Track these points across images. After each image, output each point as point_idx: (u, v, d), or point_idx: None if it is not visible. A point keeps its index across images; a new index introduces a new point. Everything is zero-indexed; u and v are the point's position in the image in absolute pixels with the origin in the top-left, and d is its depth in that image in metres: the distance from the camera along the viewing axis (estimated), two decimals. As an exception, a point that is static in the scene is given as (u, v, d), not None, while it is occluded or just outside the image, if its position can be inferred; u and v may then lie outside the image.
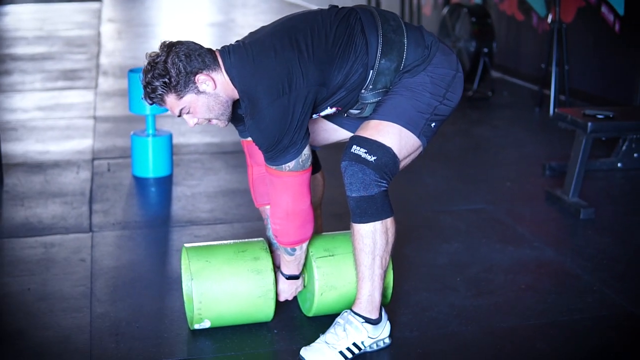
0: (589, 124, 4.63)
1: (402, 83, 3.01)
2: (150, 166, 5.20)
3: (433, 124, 3.04)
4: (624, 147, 5.49)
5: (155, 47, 2.99)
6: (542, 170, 5.41)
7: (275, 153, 2.91)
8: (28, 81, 8.48)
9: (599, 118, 4.72)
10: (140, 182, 5.17)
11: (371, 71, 2.97)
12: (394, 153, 2.94)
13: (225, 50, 2.96)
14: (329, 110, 3.06)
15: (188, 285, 3.29)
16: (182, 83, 2.84)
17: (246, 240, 3.32)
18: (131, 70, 5.18)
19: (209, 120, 2.97)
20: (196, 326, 3.17)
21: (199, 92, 2.87)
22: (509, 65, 8.70)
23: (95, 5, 16.69)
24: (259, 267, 3.16)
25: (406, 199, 4.80)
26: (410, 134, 2.98)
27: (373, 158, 2.92)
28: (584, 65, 7.46)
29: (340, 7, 3.08)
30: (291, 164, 2.93)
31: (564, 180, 4.82)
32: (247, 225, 4.40)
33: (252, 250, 3.21)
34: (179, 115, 2.94)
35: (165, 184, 5.14)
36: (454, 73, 3.07)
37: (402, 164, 3.02)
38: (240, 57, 2.91)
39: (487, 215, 4.62)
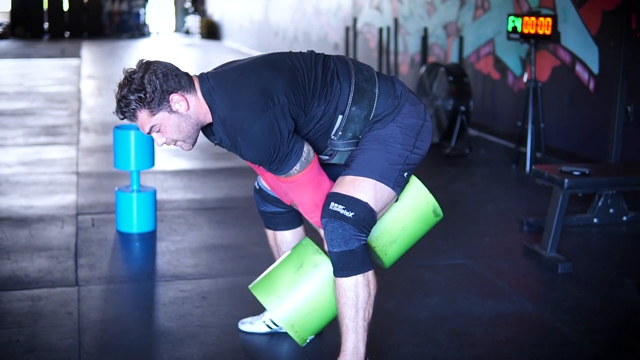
0: (566, 180, 4.74)
1: (373, 135, 3.09)
2: (135, 221, 5.25)
3: (405, 174, 3.14)
4: (599, 203, 5.60)
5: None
6: (520, 225, 5.50)
7: (278, 164, 2.98)
8: (10, 136, 8.54)
9: (575, 175, 4.83)
10: (124, 237, 5.22)
11: (340, 116, 3.06)
12: (370, 207, 3.03)
13: (204, 76, 3.03)
14: None
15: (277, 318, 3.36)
16: (156, 100, 2.90)
17: (293, 250, 3.41)
18: (117, 127, 5.26)
19: (175, 142, 3.02)
20: (307, 343, 3.38)
21: (171, 111, 2.94)
22: (485, 123, 8.85)
23: (74, 61, 16.82)
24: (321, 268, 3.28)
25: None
26: (385, 186, 3.07)
27: (351, 214, 3.00)
28: (559, 122, 7.61)
29: (317, 52, 3.18)
30: (297, 167, 3.01)
31: (542, 236, 4.92)
32: (231, 280, 4.45)
33: (307, 260, 3.31)
34: (149, 133, 2.98)
35: (150, 239, 5.20)
36: (422, 122, 3.17)
37: (379, 215, 3.11)
38: (220, 81, 2.98)
39: (467, 269, 4.70)
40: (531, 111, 7.13)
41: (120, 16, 25.93)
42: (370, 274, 3.07)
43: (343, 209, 3.01)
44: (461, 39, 9.10)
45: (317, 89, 3.02)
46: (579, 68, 7.39)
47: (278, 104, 2.91)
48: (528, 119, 7.14)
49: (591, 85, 7.25)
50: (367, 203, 3.02)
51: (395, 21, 10.51)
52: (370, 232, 3.06)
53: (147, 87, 2.90)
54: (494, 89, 8.77)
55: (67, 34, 24.70)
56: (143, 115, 2.93)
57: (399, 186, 3.13)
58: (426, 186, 3.34)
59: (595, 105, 7.19)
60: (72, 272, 4.55)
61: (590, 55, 7.24)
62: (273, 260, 3.65)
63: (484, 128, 8.85)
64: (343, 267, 3.04)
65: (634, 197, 5.87)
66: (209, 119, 3.01)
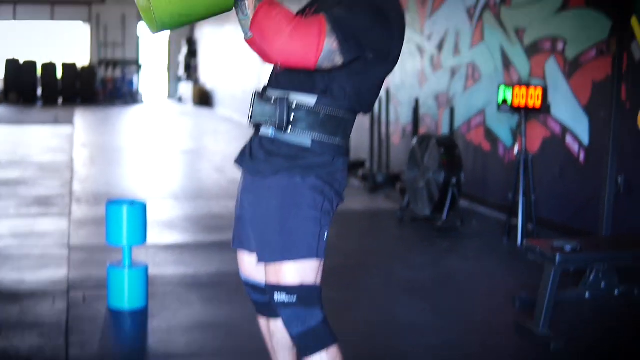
0: (558, 256, 4.75)
1: (284, 205, 3.02)
2: (126, 298, 5.24)
3: (325, 235, 3.09)
4: (591, 277, 5.61)
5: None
6: (512, 301, 5.50)
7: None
8: (2, 207, 8.54)
9: (566, 250, 4.85)
10: (116, 314, 5.19)
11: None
12: (308, 285, 3.01)
13: None
14: None
15: None
16: None
17: None
18: (110, 202, 5.27)
19: None
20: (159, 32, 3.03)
21: None
22: (476, 194, 8.88)
23: (67, 129, 16.90)
24: None
25: (377, 332, 4.86)
26: (310, 260, 3.03)
27: (294, 298, 2.99)
28: (550, 194, 7.64)
29: None
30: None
31: (534, 312, 4.91)
32: None
33: None
34: None
35: (141, 316, 5.17)
36: (332, 169, 3.08)
37: (319, 280, 3.07)
38: None
39: (459, 347, 4.69)
40: (522, 183, 7.17)
41: (114, 83, 26.09)
42: (334, 348, 3.04)
43: (285, 295, 3.00)
44: (452, 110, 9.17)
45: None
46: (569, 139, 7.45)
47: None
48: (519, 190, 7.18)
49: (582, 157, 7.30)
50: (302, 283, 3.01)
51: (387, 91, 10.60)
52: (321, 302, 3.03)
53: None
54: (485, 160, 8.82)
55: (60, 100, 24.82)
56: None
57: (322, 250, 3.08)
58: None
59: (586, 177, 7.23)
60: (62, 350, 4.52)
61: (580, 126, 7.30)
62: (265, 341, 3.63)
63: (475, 199, 8.88)
64: (306, 347, 3.02)
65: (625, 269, 5.88)
66: None
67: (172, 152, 13.78)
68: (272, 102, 3.01)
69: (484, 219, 8.30)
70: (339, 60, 2.88)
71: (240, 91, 20.69)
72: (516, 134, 8.14)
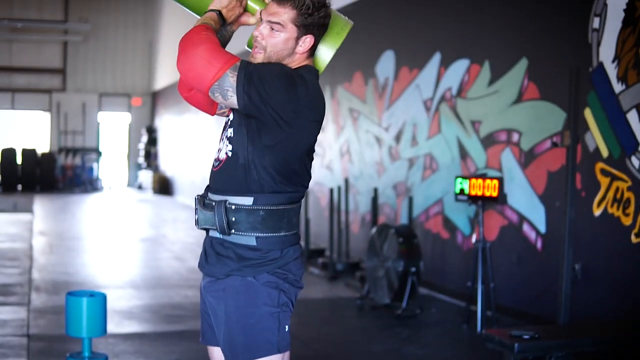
0: (516, 345, 4.82)
1: (239, 305, 3.09)
2: (86, 389, 5.20)
3: (286, 327, 3.15)
4: (550, 365, 5.67)
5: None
6: (472, 389, 5.54)
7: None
8: (-41, 298, 8.46)
9: (524, 339, 4.92)
10: (75, 405, 5.16)
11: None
12: None
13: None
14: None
15: None
16: (309, 21, 3.08)
17: None
18: (69, 293, 5.26)
19: (260, 45, 3.11)
20: None
21: (297, 36, 3.10)
22: (436, 282, 8.95)
23: (26, 216, 16.82)
24: None
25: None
26: (272, 356, 3.10)
27: None
28: (508, 281, 7.74)
29: None
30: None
31: (494, 400, 4.96)
32: None
33: None
34: (268, 22, 3.09)
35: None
36: (283, 262, 3.16)
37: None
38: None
39: None
40: (480, 271, 7.25)
41: (73, 170, 26.05)
42: None
43: None
44: (411, 199, 9.29)
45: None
46: (526, 227, 7.58)
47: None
48: (478, 278, 7.26)
49: (539, 244, 7.42)
50: None
51: (346, 181, 10.73)
52: None
53: (321, 11, 3.11)
54: (444, 248, 8.92)
55: (19, 187, 24.71)
56: (288, 10, 3.08)
57: (284, 340, 3.14)
58: None
59: (543, 264, 7.34)
60: None
61: (537, 215, 7.44)
62: None
63: (435, 287, 8.95)
64: None
65: (583, 356, 5.94)
66: (288, 63, 3.15)
67: (131, 240, 13.74)
68: (213, 207, 3.12)
69: (444, 306, 8.36)
70: (232, 98, 2.99)
71: (200, 178, 20.74)
72: (474, 222, 8.26)
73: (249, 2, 3.24)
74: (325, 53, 3.26)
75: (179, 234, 14.67)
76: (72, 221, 16.62)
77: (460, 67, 8.70)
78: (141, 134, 27.91)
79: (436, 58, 9.19)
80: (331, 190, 10.49)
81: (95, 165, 26.58)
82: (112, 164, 28.17)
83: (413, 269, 7.77)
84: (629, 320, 6.16)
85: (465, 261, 8.41)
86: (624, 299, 6.44)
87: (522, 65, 7.67)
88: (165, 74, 25.56)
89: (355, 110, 11.27)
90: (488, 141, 8.15)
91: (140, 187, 27.18)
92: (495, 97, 8.06)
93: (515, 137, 7.74)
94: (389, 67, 10.33)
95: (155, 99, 27.91)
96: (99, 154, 26.95)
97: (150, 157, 27.13)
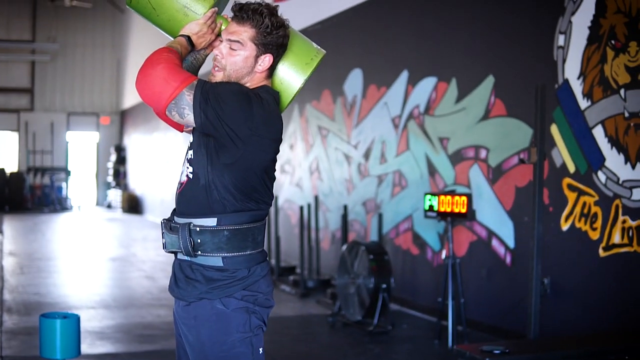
0: (487, 360, 4.88)
1: (212, 334, 3.13)
2: (59, 411, 5.21)
3: (260, 350, 3.18)
4: (520, 380, 5.73)
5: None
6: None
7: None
8: None
9: (495, 354, 4.97)
10: None
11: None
12: None
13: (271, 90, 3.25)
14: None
15: None
16: (268, 40, 3.15)
17: None
18: (42, 315, 5.27)
19: (220, 65, 3.18)
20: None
21: (256, 55, 3.16)
22: (406, 298, 9.01)
23: (-5, 238, 16.74)
24: None
25: None
26: None
27: None
28: (479, 296, 7.81)
29: None
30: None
31: (466, 416, 5.01)
32: None
33: None
34: (228, 40, 3.16)
35: None
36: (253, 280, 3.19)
37: None
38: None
39: None
40: (451, 286, 7.32)
41: (42, 190, 25.96)
42: None
43: None
44: (380, 216, 9.35)
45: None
46: (495, 243, 7.66)
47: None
48: (448, 294, 7.32)
49: (508, 259, 7.50)
50: None
51: (316, 198, 10.78)
52: None
53: (280, 31, 3.17)
54: (414, 264, 8.98)
55: (-12, 207, 24.61)
56: (247, 28, 3.15)
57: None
58: None
59: (512, 279, 7.42)
60: None
61: (505, 230, 7.53)
62: None
63: (405, 303, 9.00)
64: None
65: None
66: (246, 82, 3.21)
67: (101, 260, 13.70)
68: (178, 230, 3.16)
69: (415, 322, 8.41)
70: (188, 117, 3.04)
71: (170, 196, 20.73)
72: (443, 238, 8.34)
73: (222, 28, 3.28)
74: (294, 81, 3.31)
75: (149, 253, 14.64)
76: (42, 241, 16.55)
77: (427, 84, 8.80)
78: (110, 153, 27.85)
79: (404, 76, 9.28)
80: (301, 208, 10.54)
81: (64, 184, 26.49)
82: (81, 183, 28.08)
83: (384, 286, 7.82)
84: (599, 333, 6.24)
85: (435, 277, 8.48)
86: (593, 312, 6.53)
87: (489, 82, 7.77)
88: (134, 93, 25.53)
89: (324, 128, 11.34)
90: (456, 158, 8.24)
91: (109, 206, 27.10)
92: (463, 114, 8.15)
93: (483, 153, 7.83)
94: (357, 85, 10.42)
95: (123, 117, 27.88)
96: (68, 173, 26.87)
97: (119, 176, 27.08)
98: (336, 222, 10.77)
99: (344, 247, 8.43)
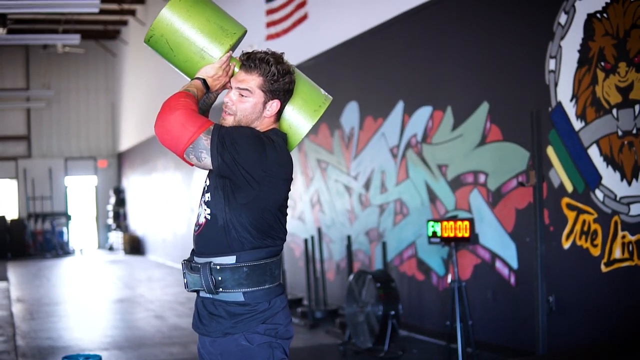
0: (499, 378, 5.04)
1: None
2: None
3: None
4: (532, 397, 5.88)
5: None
6: None
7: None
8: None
9: (506, 372, 5.14)
10: None
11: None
12: None
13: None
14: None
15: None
16: (275, 87, 3.33)
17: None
18: (65, 357, 5.41)
19: (231, 111, 3.35)
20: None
21: (264, 101, 3.33)
22: (414, 323, 9.15)
23: (2, 284, 16.82)
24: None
25: None
26: None
27: None
28: (486, 318, 7.95)
29: None
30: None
31: None
32: None
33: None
34: (231, 87, 3.38)
35: None
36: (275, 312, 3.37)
37: None
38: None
39: None
40: (458, 309, 7.46)
41: (44, 235, 26.08)
42: None
43: None
44: (384, 244, 9.50)
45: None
46: (499, 264, 7.82)
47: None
48: (456, 317, 7.46)
49: (512, 280, 7.66)
50: None
51: (319, 230, 10.94)
52: None
53: (286, 78, 3.35)
54: (420, 290, 9.13)
55: (-10, 255, 24.70)
56: (255, 77, 3.33)
57: None
58: None
59: (518, 298, 7.57)
60: None
61: (508, 252, 7.69)
62: None
63: (414, 328, 9.14)
64: None
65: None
66: (256, 126, 3.38)
67: (109, 302, 13.82)
68: (199, 269, 3.33)
69: (424, 346, 8.55)
70: (205, 160, 3.21)
71: (171, 235, 20.86)
72: (447, 263, 8.49)
73: (235, 70, 3.46)
74: (303, 127, 3.51)
75: (156, 293, 14.76)
76: (48, 286, 16.66)
77: (423, 114, 8.99)
78: (109, 196, 28.00)
79: (399, 107, 9.48)
80: (305, 241, 10.69)
81: (65, 229, 26.60)
82: (81, 227, 28.19)
83: (392, 312, 7.97)
84: (605, 344, 6.39)
85: (441, 301, 8.63)
86: (598, 327, 6.68)
87: (484, 109, 7.97)
88: (130, 135, 25.74)
89: (323, 161, 11.53)
90: (456, 183, 8.42)
91: (111, 249, 27.19)
92: (460, 140, 8.34)
93: (481, 178, 8.01)
94: (353, 118, 10.62)
95: (121, 160, 28.05)
96: (68, 217, 26.99)
97: (120, 218, 27.20)
98: (340, 253, 10.93)
99: (351, 277, 8.59)
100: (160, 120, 3.21)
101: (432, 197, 8.85)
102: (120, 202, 27.43)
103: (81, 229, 28.15)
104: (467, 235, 7.31)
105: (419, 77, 9.14)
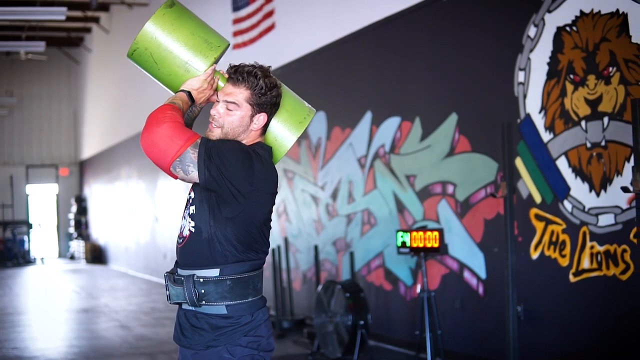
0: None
1: None
2: None
3: None
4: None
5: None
6: None
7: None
8: None
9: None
10: None
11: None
12: None
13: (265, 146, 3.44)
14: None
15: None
16: (262, 100, 3.35)
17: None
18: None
19: (217, 123, 3.35)
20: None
21: (252, 114, 3.34)
22: (382, 333, 9.17)
23: (-38, 296, 16.66)
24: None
25: None
26: None
27: None
28: (455, 327, 8.00)
29: None
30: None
31: None
32: None
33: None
34: (225, 101, 3.35)
35: None
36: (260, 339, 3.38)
37: None
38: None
39: None
40: (427, 319, 7.49)
41: (5, 244, 25.85)
42: None
43: None
44: (352, 254, 9.53)
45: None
46: (467, 274, 7.87)
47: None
48: (425, 327, 7.49)
49: (480, 290, 7.71)
50: None
51: (285, 240, 10.94)
52: None
53: (273, 91, 3.39)
54: (387, 300, 9.16)
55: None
56: (242, 90, 3.34)
57: None
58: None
59: (486, 308, 7.62)
60: None
61: (476, 262, 7.74)
62: None
63: (382, 338, 9.16)
64: None
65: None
66: (242, 139, 3.39)
67: (73, 312, 13.71)
68: (182, 282, 3.33)
69: (394, 356, 8.57)
70: (192, 173, 3.20)
71: (134, 244, 20.76)
72: (415, 272, 8.53)
73: (219, 84, 3.47)
74: (288, 139, 3.54)
75: (120, 302, 14.68)
76: (11, 295, 16.52)
77: (391, 124, 9.04)
78: (70, 204, 27.82)
79: (367, 117, 9.52)
80: (272, 250, 10.69)
81: (26, 237, 26.39)
82: (43, 235, 27.98)
83: (362, 322, 8.00)
84: (573, 355, 6.46)
85: (409, 311, 8.66)
86: (566, 336, 6.74)
87: (452, 120, 8.03)
88: (92, 143, 25.60)
89: (290, 170, 11.54)
90: (424, 194, 8.46)
91: (72, 257, 27.01)
92: (428, 151, 8.39)
93: (450, 188, 8.06)
94: (321, 128, 10.64)
95: (82, 168, 27.89)
96: (30, 226, 26.77)
97: (81, 227, 27.03)
98: (306, 263, 10.94)
99: (320, 287, 8.60)
100: (147, 133, 3.20)
101: (400, 207, 8.89)
102: (82, 210, 27.26)
103: (42, 238, 27.93)
104: (436, 245, 7.35)
105: (388, 88, 9.18)
